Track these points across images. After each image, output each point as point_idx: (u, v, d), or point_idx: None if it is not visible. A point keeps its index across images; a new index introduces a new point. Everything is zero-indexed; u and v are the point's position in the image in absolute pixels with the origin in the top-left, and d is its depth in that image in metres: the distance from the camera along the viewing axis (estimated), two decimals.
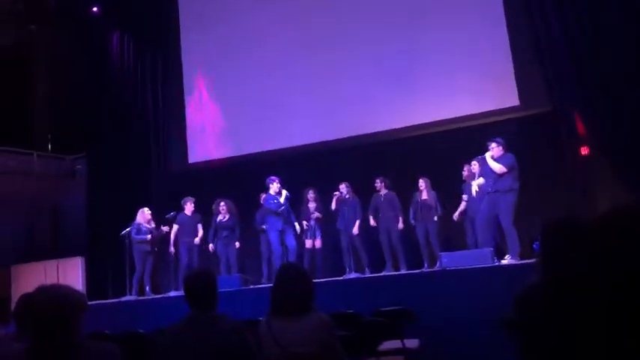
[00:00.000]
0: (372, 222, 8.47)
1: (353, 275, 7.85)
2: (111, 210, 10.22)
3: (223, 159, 10.50)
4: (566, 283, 1.91)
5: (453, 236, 8.41)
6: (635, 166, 7.40)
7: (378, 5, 9.77)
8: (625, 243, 1.56)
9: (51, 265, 10.11)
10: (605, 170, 7.74)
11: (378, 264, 8.42)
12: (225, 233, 8.77)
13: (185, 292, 2.84)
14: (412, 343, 4.75)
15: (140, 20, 11.33)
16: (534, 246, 6.68)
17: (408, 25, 9.48)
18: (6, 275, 10.35)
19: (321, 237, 8.68)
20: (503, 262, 6.58)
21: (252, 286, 7.83)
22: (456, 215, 8.11)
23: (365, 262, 8.45)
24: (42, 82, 12.80)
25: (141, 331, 5.04)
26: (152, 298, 8.33)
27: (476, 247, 7.33)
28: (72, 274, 10.03)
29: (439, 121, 9.09)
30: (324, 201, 8.71)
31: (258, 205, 8.83)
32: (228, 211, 8.82)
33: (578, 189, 7.97)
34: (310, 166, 9.54)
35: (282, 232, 8.17)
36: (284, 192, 8.28)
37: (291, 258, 7.97)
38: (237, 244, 8.82)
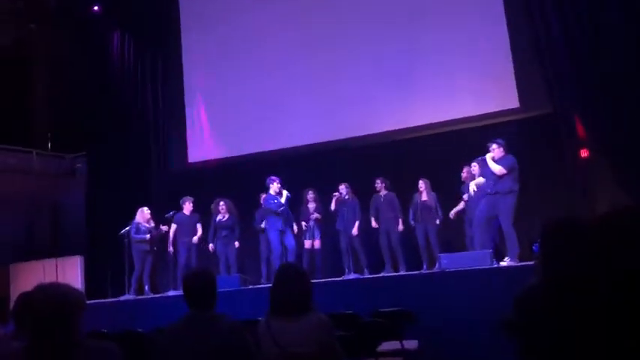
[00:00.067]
0: (373, 223, 8.45)
1: (352, 276, 7.85)
2: (110, 209, 10.22)
3: (223, 159, 10.50)
4: (566, 284, 1.91)
5: (453, 238, 8.41)
6: (634, 168, 7.40)
7: (378, 5, 9.77)
8: (625, 243, 1.56)
9: (50, 263, 10.09)
10: (605, 172, 7.74)
11: (377, 265, 8.42)
12: (224, 233, 8.78)
13: (184, 291, 2.83)
14: (411, 344, 4.75)
15: (140, 20, 11.33)
16: (534, 248, 6.68)
17: (408, 25, 9.48)
18: (5, 274, 10.34)
19: (321, 237, 8.68)
20: (503, 264, 6.58)
21: (251, 286, 7.83)
22: (452, 213, 8.09)
23: (364, 263, 8.45)
24: (42, 80, 12.79)
25: (140, 330, 5.03)
26: (151, 298, 8.33)
27: (472, 246, 7.33)
28: (71, 273, 10.01)
29: (439, 122, 9.09)
30: (323, 201, 8.71)
31: (258, 205, 8.83)
32: (228, 210, 8.82)
33: (577, 190, 7.97)
34: (310, 167, 9.54)
35: (281, 232, 8.16)
36: (284, 192, 8.27)
37: (291, 258, 7.96)
38: (236, 243, 8.82)
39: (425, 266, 8.13)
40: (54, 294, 2.10)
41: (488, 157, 6.82)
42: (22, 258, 10.59)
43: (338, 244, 8.58)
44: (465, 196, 7.90)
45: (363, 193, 8.60)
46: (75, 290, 2.18)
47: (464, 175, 8.03)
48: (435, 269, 7.26)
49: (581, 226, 2.06)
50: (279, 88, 10.18)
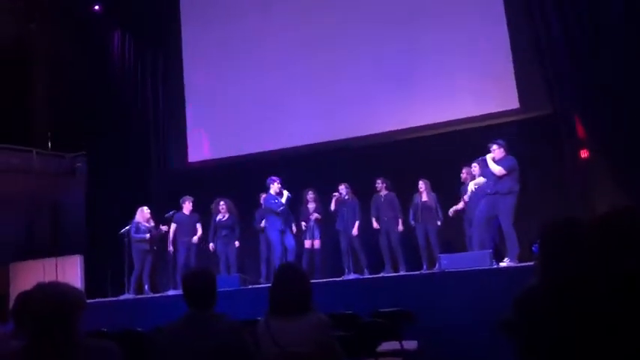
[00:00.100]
0: (375, 224, 8.42)
1: (352, 276, 7.85)
2: (110, 208, 10.23)
3: (223, 158, 10.49)
4: (565, 285, 1.91)
5: (453, 238, 8.40)
6: (634, 169, 7.40)
7: (378, 5, 9.77)
8: (624, 244, 1.57)
9: (50, 263, 10.07)
10: (605, 172, 7.75)
11: (377, 265, 8.42)
12: (224, 232, 8.78)
13: (184, 291, 2.83)
14: (411, 344, 4.75)
15: (141, 19, 11.33)
16: (533, 248, 6.67)
17: (408, 25, 9.48)
18: (5, 273, 10.32)
19: (320, 238, 8.68)
20: (502, 264, 6.58)
21: (250, 286, 7.83)
22: (451, 210, 8.08)
23: (364, 263, 8.44)
24: (42, 79, 12.78)
25: (139, 329, 5.03)
26: (150, 297, 8.33)
27: (471, 246, 7.33)
28: (71, 272, 10.00)
29: (439, 122, 9.09)
30: (323, 202, 8.71)
31: (258, 205, 8.83)
32: (228, 210, 8.82)
33: (577, 191, 7.97)
34: (310, 167, 9.53)
35: (282, 233, 8.16)
36: (285, 192, 8.27)
37: (291, 258, 7.97)
38: (236, 243, 8.83)
39: (425, 267, 8.13)
40: (53, 293, 2.10)
41: (489, 157, 6.82)
42: (21, 257, 10.57)
43: (338, 244, 8.57)
44: (466, 197, 7.89)
45: (363, 193, 8.60)
46: (74, 289, 2.18)
47: (463, 175, 8.02)
48: (435, 269, 7.26)
49: (581, 227, 2.06)
50: (279, 88, 10.18)
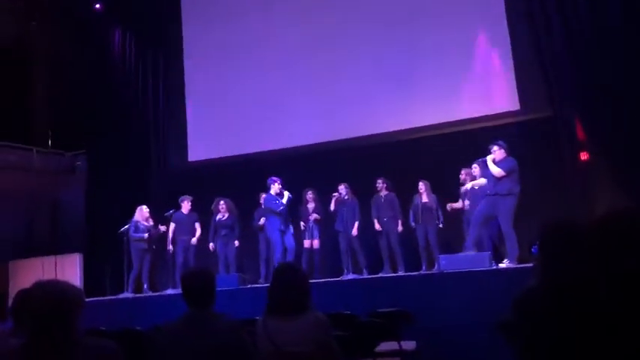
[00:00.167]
0: (377, 226, 8.39)
1: (350, 276, 7.84)
2: (110, 207, 10.23)
3: (223, 158, 10.49)
4: (565, 286, 1.91)
5: (453, 239, 8.40)
6: (634, 171, 7.40)
7: (378, 5, 9.78)
8: (624, 245, 1.57)
9: (49, 261, 10.08)
10: (605, 174, 7.75)
11: (376, 265, 8.42)
12: (224, 232, 8.78)
13: (183, 290, 2.83)
14: (409, 344, 4.75)
15: (142, 19, 11.33)
16: (532, 250, 6.68)
17: (408, 26, 9.49)
18: (4, 271, 10.33)
19: (320, 237, 8.67)
20: (502, 265, 6.58)
21: (249, 286, 7.84)
22: (448, 206, 8.08)
23: (363, 264, 8.44)
24: (42, 77, 12.78)
25: (138, 328, 5.03)
26: (149, 296, 8.34)
27: (465, 244, 7.30)
28: (70, 270, 10.00)
29: (439, 123, 9.10)
30: (323, 202, 8.70)
31: (258, 205, 8.82)
32: (228, 209, 8.82)
33: (577, 193, 7.97)
34: (310, 167, 9.53)
35: (282, 233, 8.16)
36: (286, 193, 8.27)
37: (290, 258, 7.97)
38: (236, 242, 8.83)
39: (424, 267, 8.13)
40: (52, 291, 2.10)
41: (489, 158, 6.81)
42: (21, 255, 10.58)
43: (337, 244, 8.56)
44: (467, 202, 7.87)
45: (363, 193, 8.59)
46: (73, 287, 2.18)
47: (462, 176, 8.02)
48: (434, 270, 7.26)
49: (581, 228, 2.07)
50: (279, 88, 10.18)
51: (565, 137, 8.26)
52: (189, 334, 2.70)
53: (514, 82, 8.80)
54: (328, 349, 2.90)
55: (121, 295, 8.36)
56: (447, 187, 8.29)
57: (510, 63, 8.86)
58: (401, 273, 8.04)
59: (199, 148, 10.88)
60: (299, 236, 8.62)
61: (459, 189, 8.10)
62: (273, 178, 8.32)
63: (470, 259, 6.59)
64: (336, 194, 8.45)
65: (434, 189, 8.32)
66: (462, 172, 8.00)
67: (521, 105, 8.74)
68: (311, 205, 8.73)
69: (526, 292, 2.13)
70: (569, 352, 1.79)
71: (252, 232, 9.08)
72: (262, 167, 9.33)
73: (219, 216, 8.83)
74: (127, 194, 10.11)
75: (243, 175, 9.86)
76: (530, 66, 8.60)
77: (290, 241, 8.20)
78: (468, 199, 7.74)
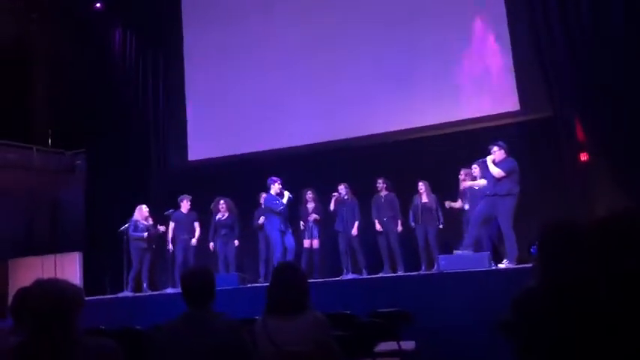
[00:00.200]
0: (378, 227, 8.38)
1: (350, 276, 7.85)
2: (110, 206, 10.23)
3: (223, 157, 10.49)
4: (565, 285, 1.91)
5: (452, 240, 8.40)
6: (634, 171, 7.41)
7: (378, 5, 9.78)
8: (623, 246, 1.57)
9: (49, 259, 10.10)
10: (604, 175, 7.75)
11: (375, 265, 8.42)
12: (224, 231, 8.78)
13: (182, 289, 2.83)
14: (408, 344, 4.75)
15: (142, 18, 11.34)
16: (532, 250, 6.68)
17: (408, 26, 9.50)
18: (3, 269, 10.34)
19: (319, 237, 8.67)
20: (501, 266, 6.58)
21: (249, 285, 7.84)
22: (447, 204, 8.08)
23: (362, 264, 8.44)
24: (42, 79, 12.77)
25: (138, 327, 5.03)
26: (149, 295, 8.34)
27: (462, 242, 7.31)
28: (69, 269, 10.01)
29: (439, 124, 9.10)
30: (323, 201, 8.70)
31: (258, 205, 8.82)
32: (228, 209, 8.82)
33: (577, 193, 7.98)
34: (309, 167, 9.53)
35: (282, 233, 8.16)
36: (286, 193, 8.26)
37: (290, 258, 7.96)
38: (236, 242, 8.83)
39: (423, 267, 8.14)
40: (52, 290, 2.10)
41: (489, 159, 6.81)
42: (21, 253, 10.59)
43: (337, 244, 8.56)
44: (464, 198, 7.90)
45: (363, 193, 8.59)
46: (73, 286, 2.18)
47: (461, 177, 8.02)
48: (434, 270, 7.26)
49: (580, 228, 2.07)
50: (279, 88, 10.18)
51: (565, 138, 8.26)
52: (188, 333, 2.70)
53: (514, 83, 8.80)
54: (327, 348, 2.90)
55: (121, 294, 8.36)
56: (447, 188, 8.28)
57: (510, 63, 8.87)
58: (400, 273, 8.04)
59: (199, 148, 10.88)
60: (298, 236, 8.62)
61: (458, 189, 8.10)
62: (274, 178, 8.31)
63: (469, 259, 6.59)
64: (335, 194, 8.45)
65: (434, 189, 8.33)
66: (462, 172, 8.00)
67: (521, 105, 8.74)
68: (310, 205, 8.73)
69: (525, 292, 2.13)
70: (569, 353, 1.80)
71: (251, 232, 9.08)
72: (262, 167, 9.33)
73: (219, 215, 8.83)
74: (126, 193, 10.12)
75: (243, 175, 9.85)
76: (530, 66, 8.60)
77: (290, 241, 8.20)
78: (468, 199, 7.74)
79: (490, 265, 6.45)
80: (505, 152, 6.79)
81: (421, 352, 4.91)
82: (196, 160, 10.83)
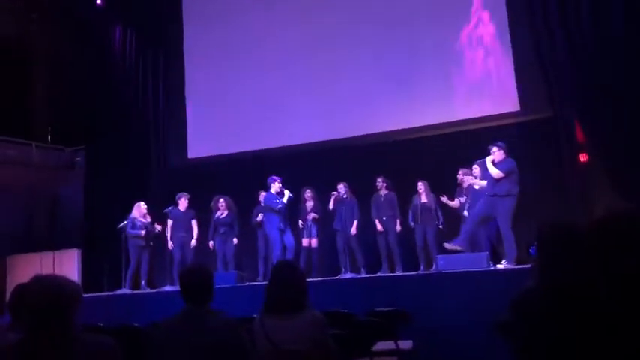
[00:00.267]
0: (378, 227, 8.35)
1: (348, 275, 7.85)
2: (109, 203, 10.22)
3: (223, 156, 10.48)
4: (564, 286, 1.91)
5: (451, 240, 8.39)
6: (633, 172, 7.41)
7: (378, 5, 9.78)
8: (622, 247, 1.57)
9: (47, 256, 10.09)
10: (603, 177, 7.75)
11: (374, 265, 8.42)
12: (223, 230, 8.78)
13: (181, 286, 2.83)
14: (406, 344, 4.76)
15: (143, 17, 11.33)
16: (530, 250, 6.68)
17: (408, 26, 9.49)
18: (2, 265, 10.33)
19: (318, 236, 8.67)
20: (500, 266, 6.58)
21: (247, 283, 7.84)
22: (444, 199, 8.08)
23: (361, 263, 8.44)
24: (42, 79, 12.77)
25: (136, 324, 5.04)
26: (147, 292, 8.35)
27: (458, 239, 7.30)
28: (68, 265, 10.01)
29: (438, 124, 9.10)
30: (322, 201, 8.70)
31: (257, 204, 8.82)
32: (227, 207, 8.82)
33: (576, 195, 7.98)
34: (309, 166, 9.53)
35: (281, 231, 8.16)
36: (286, 192, 8.26)
37: (289, 256, 7.96)
38: (235, 240, 8.83)
39: (422, 267, 8.14)
40: (50, 285, 2.10)
41: (488, 159, 6.80)
42: (19, 250, 10.58)
43: (335, 243, 8.56)
44: (462, 199, 7.90)
45: (362, 192, 8.59)
46: (71, 282, 2.17)
47: (460, 177, 8.02)
48: (432, 270, 7.26)
49: (579, 228, 2.07)
50: (279, 88, 10.18)
51: (565, 138, 8.26)
52: (186, 330, 2.70)
53: (514, 83, 8.80)
54: (325, 347, 2.91)
55: (119, 291, 8.36)
56: (447, 187, 8.28)
57: (511, 64, 8.87)
58: (399, 272, 8.04)
59: (199, 147, 10.88)
60: (297, 235, 8.63)
61: (457, 188, 8.10)
62: (274, 177, 8.31)
63: (468, 259, 6.59)
64: (335, 193, 8.45)
65: (433, 189, 8.32)
66: (460, 172, 8.00)
67: (521, 106, 8.75)
68: (309, 204, 8.73)
69: (524, 292, 2.13)
70: (568, 353, 1.80)
71: (251, 230, 9.08)
72: (261, 166, 9.34)
73: (218, 214, 8.83)
74: (126, 191, 10.10)
75: (242, 174, 9.86)
76: (530, 67, 8.60)
77: (289, 239, 8.20)
78: (468, 198, 7.74)
79: (488, 266, 6.45)
80: (504, 153, 6.79)
81: (419, 352, 4.91)
82: (196, 159, 10.83)
